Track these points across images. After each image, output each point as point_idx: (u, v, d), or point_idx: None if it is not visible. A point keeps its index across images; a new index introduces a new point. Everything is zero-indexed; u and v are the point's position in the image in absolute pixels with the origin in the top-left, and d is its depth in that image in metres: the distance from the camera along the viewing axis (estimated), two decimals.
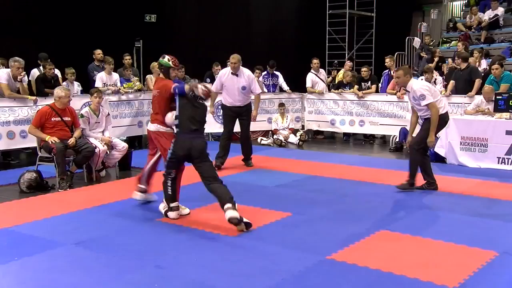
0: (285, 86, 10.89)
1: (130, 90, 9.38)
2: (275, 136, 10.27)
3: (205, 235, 4.48)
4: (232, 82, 7.24)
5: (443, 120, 6.00)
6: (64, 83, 8.75)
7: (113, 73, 9.17)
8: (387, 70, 10.71)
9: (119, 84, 9.25)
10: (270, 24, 14.64)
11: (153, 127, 5.21)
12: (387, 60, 10.43)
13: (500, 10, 13.89)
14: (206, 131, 5.39)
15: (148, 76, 9.94)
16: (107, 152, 6.80)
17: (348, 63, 11.51)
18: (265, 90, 10.95)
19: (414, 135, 6.28)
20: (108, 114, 7.30)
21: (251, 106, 7.52)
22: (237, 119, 7.51)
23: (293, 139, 10.14)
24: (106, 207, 5.41)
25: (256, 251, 4.09)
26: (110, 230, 4.64)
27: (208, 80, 10.25)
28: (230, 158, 7.63)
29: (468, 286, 3.39)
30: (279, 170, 7.43)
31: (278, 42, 14.24)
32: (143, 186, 5.44)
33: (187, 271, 3.69)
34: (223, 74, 7.41)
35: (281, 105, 10.51)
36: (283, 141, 10.05)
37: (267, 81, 10.98)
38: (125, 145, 7.16)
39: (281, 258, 3.91)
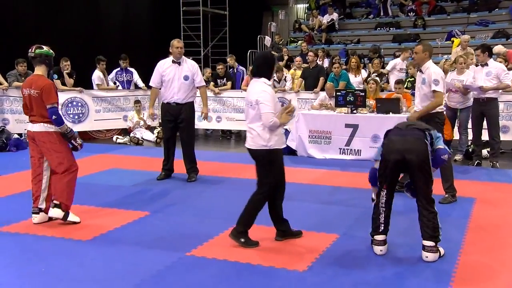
0: (140, 83, 10.61)
1: None
2: (131, 134, 9.96)
3: (55, 241, 4.18)
4: (173, 72, 6.31)
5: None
6: None
7: None
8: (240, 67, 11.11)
9: None
10: (122, 20, 14.08)
11: (38, 127, 4.48)
12: (228, 59, 10.92)
13: (335, 15, 15.39)
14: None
15: None
16: None
17: (298, 59, 10.92)
18: (120, 87, 10.56)
19: None
20: None
21: (193, 106, 6.57)
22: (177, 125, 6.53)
23: (151, 136, 9.94)
24: None
25: (112, 253, 3.94)
26: None
27: (56, 76, 9.50)
28: (85, 158, 7.19)
29: (314, 267, 3.71)
30: (136, 169, 7.26)
31: (132, 38, 13.78)
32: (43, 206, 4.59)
33: (31, 284, 3.40)
34: (162, 64, 6.41)
35: (137, 102, 10.24)
36: (140, 139, 9.79)
37: (120, 77, 10.57)
38: None
39: (139, 259, 3.82)
